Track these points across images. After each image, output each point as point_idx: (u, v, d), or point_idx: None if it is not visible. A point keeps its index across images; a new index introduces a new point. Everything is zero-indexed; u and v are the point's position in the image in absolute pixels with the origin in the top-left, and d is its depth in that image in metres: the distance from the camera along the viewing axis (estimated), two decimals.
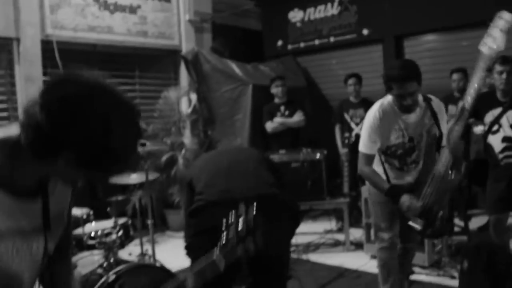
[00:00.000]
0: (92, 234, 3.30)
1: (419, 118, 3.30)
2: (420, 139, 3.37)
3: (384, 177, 3.44)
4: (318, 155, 5.19)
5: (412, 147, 3.38)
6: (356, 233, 5.38)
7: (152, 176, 4.28)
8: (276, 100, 6.11)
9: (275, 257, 2.45)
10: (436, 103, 3.32)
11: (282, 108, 6.05)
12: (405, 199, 3.14)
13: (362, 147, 3.35)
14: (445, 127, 3.31)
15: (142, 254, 4.11)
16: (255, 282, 2.51)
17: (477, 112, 4.52)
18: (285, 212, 2.48)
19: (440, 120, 3.31)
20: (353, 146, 5.66)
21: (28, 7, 5.36)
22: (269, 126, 5.99)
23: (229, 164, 2.61)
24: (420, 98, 3.27)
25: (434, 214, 3.21)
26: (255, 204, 2.28)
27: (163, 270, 3.05)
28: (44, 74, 5.54)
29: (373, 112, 3.34)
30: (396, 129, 3.32)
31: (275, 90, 6.07)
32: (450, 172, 3.12)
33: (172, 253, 5.03)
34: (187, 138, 6.25)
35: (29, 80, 5.36)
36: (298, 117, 5.98)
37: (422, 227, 3.22)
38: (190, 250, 2.53)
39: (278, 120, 5.97)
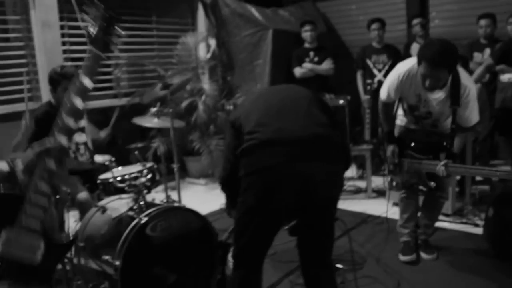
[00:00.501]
0: (120, 178, 3.28)
1: (443, 98, 3.21)
2: (439, 116, 3.36)
3: (399, 121, 3.67)
4: (341, 101, 5.11)
5: (429, 116, 3.41)
6: (377, 181, 5.36)
7: (177, 123, 4.23)
8: (306, 45, 6.06)
9: (329, 196, 2.41)
10: (465, 86, 3.14)
11: (312, 53, 5.98)
12: (389, 149, 3.55)
13: (382, 93, 3.54)
14: (471, 113, 3.21)
15: (167, 199, 4.13)
16: (305, 223, 2.47)
17: (508, 58, 4.39)
18: (338, 152, 2.42)
19: (464, 108, 3.17)
20: (375, 93, 5.58)
21: None
22: (298, 71, 5.95)
23: (281, 103, 2.49)
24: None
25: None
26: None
27: (193, 212, 3.04)
28: (61, 19, 5.41)
29: (398, 72, 3.33)
30: (416, 95, 3.31)
31: (305, 34, 6.01)
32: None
33: (193, 199, 5.09)
34: (206, 84, 6.16)
35: (46, 26, 5.24)
36: (327, 64, 5.94)
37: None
38: (229, 186, 2.55)
39: (307, 65, 5.92)
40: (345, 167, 2.51)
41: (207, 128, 5.94)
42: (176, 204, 3.80)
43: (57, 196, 2.99)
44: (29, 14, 5.27)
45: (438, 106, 3.26)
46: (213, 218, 4.41)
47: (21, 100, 5.12)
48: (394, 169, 3.57)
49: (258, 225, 2.36)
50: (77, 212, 3.57)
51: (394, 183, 3.66)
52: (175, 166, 4.05)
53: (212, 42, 6.50)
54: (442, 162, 3.17)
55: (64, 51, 5.44)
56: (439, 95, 3.20)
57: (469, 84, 3.18)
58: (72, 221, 3.48)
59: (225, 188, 2.65)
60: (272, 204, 2.33)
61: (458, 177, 4.61)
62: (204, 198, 5.46)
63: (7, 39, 5.54)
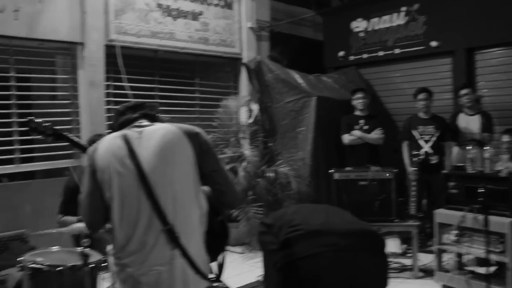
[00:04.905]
0: None
1: None
2: None
3: None
4: (388, 174, 4.91)
5: None
6: (423, 258, 5.04)
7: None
8: (357, 113, 5.99)
9: None
10: None
11: (362, 121, 5.90)
12: None
13: None
14: None
15: None
16: None
17: None
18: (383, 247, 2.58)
19: None
20: (422, 165, 5.39)
21: (94, 12, 5.32)
22: (346, 138, 5.89)
23: (325, 208, 2.84)
24: None
25: None
26: None
27: None
28: (107, 79, 5.49)
29: None
30: None
31: (355, 102, 5.97)
32: None
33: (228, 269, 4.87)
34: (247, 149, 6.07)
35: (92, 85, 5.32)
36: (377, 134, 5.85)
37: None
38: None
39: (356, 133, 5.86)
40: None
41: (246, 195, 5.78)
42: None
43: (91, 265, 2.89)
44: (76, 73, 5.36)
45: None
46: None
47: (63, 156, 5.15)
48: None
49: None
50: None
51: None
52: None
53: (255, 107, 6.45)
54: None
55: (108, 110, 5.47)
56: None
57: None
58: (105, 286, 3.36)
59: None
60: None
61: None
62: (240, 268, 5.22)
63: (54, 97, 5.65)
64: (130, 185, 2.02)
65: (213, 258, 2.21)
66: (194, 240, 2.06)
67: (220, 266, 2.29)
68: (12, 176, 5.06)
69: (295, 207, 3.09)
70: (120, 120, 2.23)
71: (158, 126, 2.14)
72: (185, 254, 2.00)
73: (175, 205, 2.02)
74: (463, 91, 5.68)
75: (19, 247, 4.60)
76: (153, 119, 2.25)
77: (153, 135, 2.10)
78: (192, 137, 2.11)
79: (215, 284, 3.19)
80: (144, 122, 2.19)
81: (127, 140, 2.07)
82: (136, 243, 2.01)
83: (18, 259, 3.05)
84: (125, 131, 2.14)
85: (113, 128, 2.26)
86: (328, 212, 2.62)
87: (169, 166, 2.05)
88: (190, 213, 2.07)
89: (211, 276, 2.16)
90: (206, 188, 2.22)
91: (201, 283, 2.06)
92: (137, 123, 2.18)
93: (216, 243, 2.21)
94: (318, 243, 2.31)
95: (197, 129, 2.18)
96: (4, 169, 4.87)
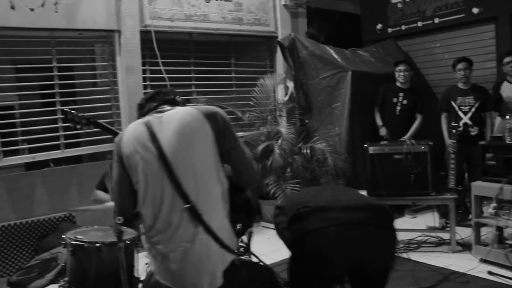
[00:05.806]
0: None
1: None
2: None
3: None
4: (423, 147, 4.83)
5: None
6: (462, 232, 4.97)
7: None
8: (398, 84, 5.93)
9: (383, 263, 2.51)
10: None
11: (401, 95, 5.85)
12: None
13: None
14: None
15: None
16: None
17: None
18: (392, 220, 2.59)
19: None
20: (461, 137, 5.27)
21: None
22: (376, 115, 6.02)
23: (334, 188, 3.27)
24: None
25: None
26: None
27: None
28: (143, 64, 5.64)
29: None
30: None
31: (398, 74, 5.91)
32: None
33: (265, 245, 4.98)
34: (284, 127, 6.11)
35: (129, 70, 5.48)
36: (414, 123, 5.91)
37: None
38: None
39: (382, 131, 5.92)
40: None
41: (283, 172, 5.84)
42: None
43: (126, 241, 3.03)
44: (115, 60, 5.54)
45: None
46: (284, 267, 4.29)
47: (105, 141, 5.37)
48: None
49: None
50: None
51: None
52: None
53: (290, 84, 6.46)
54: None
55: (145, 94, 5.62)
56: None
57: None
58: (143, 264, 3.52)
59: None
60: (321, 268, 2.42)
61: None
62: (277, 244, 5.31)
63: (95, 84, 5.86)
64: (153, 168, 2.12)
65: (240, 233, 2.29)
66: (217, 216, 2.13)
67: (248, 240, 2.38)
68: (58, 161, 5.32)
69: (307, 189, 3.19)
70: (143, 112, 2.33)
71: (177, 109, 2.22)
72: (209, 230, 2.08)
73: (196, 184, 2.10)
74: (507, 59, 5.44)
75: (68, 227, 4.87)
76: (174, 103, 2.33)
77: (172, 118, 2.17)
78: (210, 116, 2.17)
79: (243, 257, 3.31)
80: (166, 107, 2.27)
81: (148, 125, 2.16)
82: (162, 223, 2.11)
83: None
84: (147, 117, 2.23)
85: None
86: (336, 190, 2.72)
87: (189, 147, 2.12)
88: (212, 190, 2.14)
89: (239, 248, 2.27)
90: (227, 166, 2.30)
91: (227, 256, 2.14)
92: (158, 109, 2.27)
93: (242, 218, 2.28)
94: (323, 218, 2.39)
95: (215, 109, 2.22)
96: (50, 155, 5.13)
